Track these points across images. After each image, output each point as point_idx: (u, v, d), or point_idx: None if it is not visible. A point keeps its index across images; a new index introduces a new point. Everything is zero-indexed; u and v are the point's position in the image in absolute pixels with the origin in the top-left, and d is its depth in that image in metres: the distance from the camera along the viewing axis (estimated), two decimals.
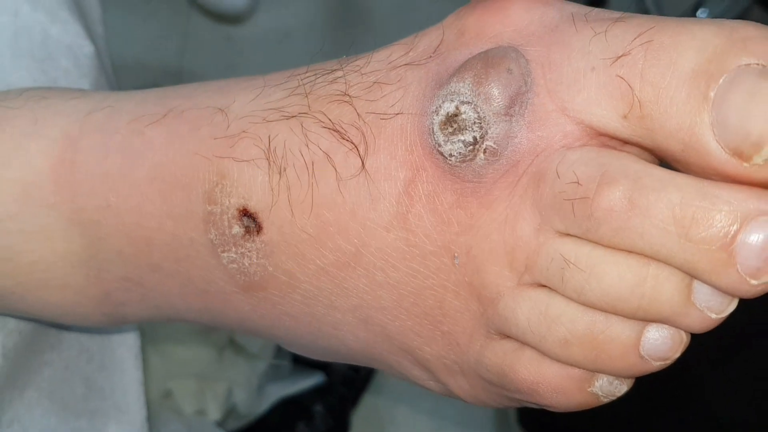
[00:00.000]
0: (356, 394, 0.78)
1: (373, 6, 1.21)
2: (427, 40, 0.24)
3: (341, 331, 0.26)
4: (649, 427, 0.61)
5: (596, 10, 0.22)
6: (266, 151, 0.24)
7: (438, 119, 0.22)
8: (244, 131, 0.25)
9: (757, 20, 0.19)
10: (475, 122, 0.21)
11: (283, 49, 1.13)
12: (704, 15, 1.02)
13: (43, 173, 0.27)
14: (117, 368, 0.37)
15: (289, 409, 0.71)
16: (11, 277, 0.28)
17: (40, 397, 0.33)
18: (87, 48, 0.38)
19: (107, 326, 0.31)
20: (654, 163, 0.22)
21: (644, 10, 1.07)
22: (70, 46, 0.37)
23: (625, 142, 0.21)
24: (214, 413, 0.67)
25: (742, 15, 0.83)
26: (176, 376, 0.67)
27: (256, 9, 1.15)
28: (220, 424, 0.67)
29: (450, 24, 0.24)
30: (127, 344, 0.37)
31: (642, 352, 0.21)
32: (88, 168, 0.26)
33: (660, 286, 0.20)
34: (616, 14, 0.22)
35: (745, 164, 0.18)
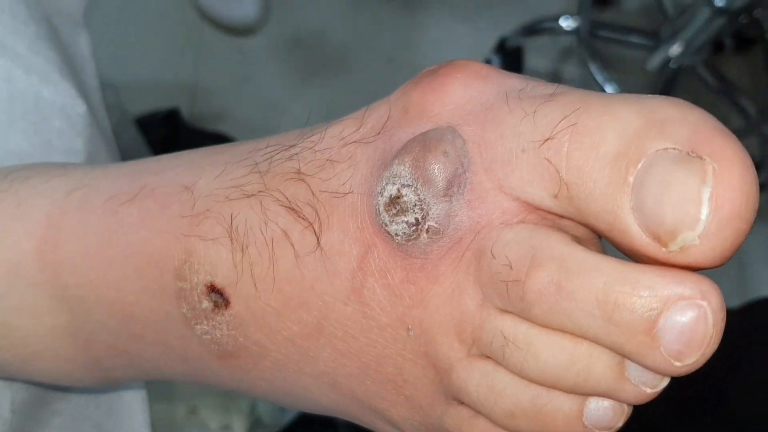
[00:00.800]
0: None
1: (384, 11, 1.21)
2: (376, 115, 0.25)
3: (313, 394, 0.27)
4: None
5: (532, 84, 0.23)
6: (229, 230, 0.25)
7: (383, 201, 0.23)
8: (208, 210, 0.26)
9: None
10: (416, 204, 0.22)
11: (295, 58, 1.14)
12: None
13: (28, 254, 0.28)
14: (125, 412, 0.39)
15: (312, 419, 0.73)
16: (8, 350, 0.29)
17: None
18: (80, 107, 0.39)
19: (102, 386, 0.33)
20: (590, 236, 0.23)
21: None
22: (63, 106, 0.39)
23: (561, 217, 0.22)
24: (239, 428, 0.70)
25: None
26: (201, 394, 0.70)
27: (266, 20, 1.16)
28: None
29: (396, 100, 0.24)
30: (133, 388, 0.39)
31: (586, 423, 0.22)
32: (69, 247, 0.28)
33: (593, 365, 0.21)
34: (550, 88, 0.22)
35: (663, 249, 0.19)
